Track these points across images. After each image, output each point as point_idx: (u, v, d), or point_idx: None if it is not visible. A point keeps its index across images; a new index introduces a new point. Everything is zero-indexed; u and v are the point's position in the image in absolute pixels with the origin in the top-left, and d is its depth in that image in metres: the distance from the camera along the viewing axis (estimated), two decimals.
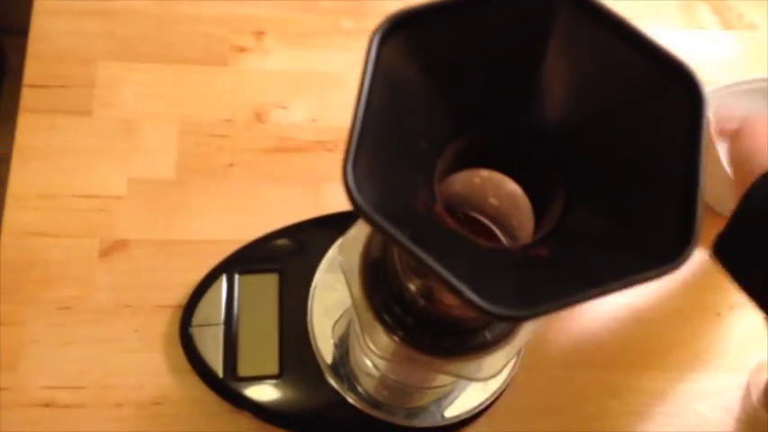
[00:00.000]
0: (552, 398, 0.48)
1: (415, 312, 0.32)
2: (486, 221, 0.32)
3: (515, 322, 0.25)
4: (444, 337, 0.32)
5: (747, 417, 0.49)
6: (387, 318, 0.32)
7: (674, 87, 0.20)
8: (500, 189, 0.30)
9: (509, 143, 0.24)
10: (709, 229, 0.52)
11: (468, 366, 0.34)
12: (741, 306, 0.52)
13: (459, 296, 0.19)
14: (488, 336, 0.32)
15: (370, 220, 0.19)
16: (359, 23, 0.56)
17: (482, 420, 0.47)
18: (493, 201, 0.31)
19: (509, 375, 0.47)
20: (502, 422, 0.48)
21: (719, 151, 0.49)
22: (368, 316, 0.32)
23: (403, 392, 0.47)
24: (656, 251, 0.20)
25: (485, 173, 0.29)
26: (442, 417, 0.46)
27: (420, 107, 0.22)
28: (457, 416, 0.46)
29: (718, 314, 0.52)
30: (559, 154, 0.22)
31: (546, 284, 0.20)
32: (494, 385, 0.47)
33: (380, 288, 0.32)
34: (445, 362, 0.33)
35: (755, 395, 0.50)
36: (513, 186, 0.28)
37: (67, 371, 0.45)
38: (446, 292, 0.30)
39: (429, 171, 0.23)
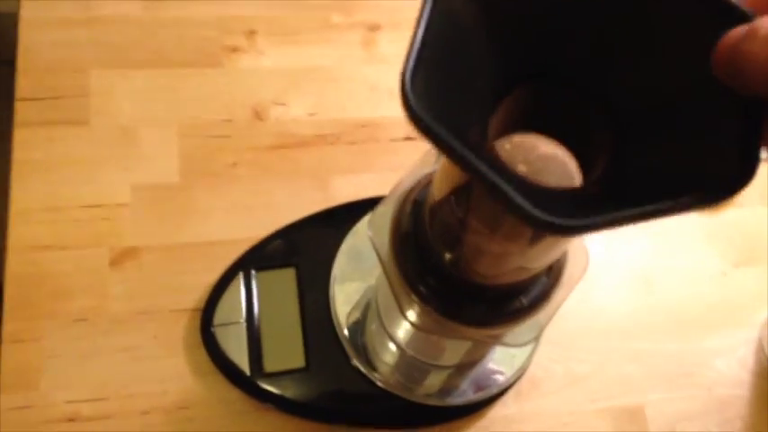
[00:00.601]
0: (574, 368, 0.50)
1: (450, 282, 0.33)
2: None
3: (571, 235, 0.25)
4: (479, 306, 0.33)
5: (762, 369, 0.51)
6: (421, 288, 0.33)
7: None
8: (531, 153, 0.31)
9: (557, 100, 0.25)
10: None
11: (503, 334, 0.35)
12: (745, 265, 0.54)
13: (514, 207, 0.18)
14: (524, 302, 0.33)
15: (425, 129, 0.19)
16: (349, 17, 0.57)
17: (509, 397, 0.48)
18: (522, 167, 0.32)
19: (533, 349, 0.48)
20: (528, 397, 0.49)
21: None
22: (401, 288, 0.33)
23: (426, 376, 0.48)
24: (713, 179, 0.21)
25: (517, 138, 0.30)
26: (471, 394, 0.46)
27: (477, 46, 0.22)
28: (485, 393, 0.47)
29: (725, 274, 0.54)
30: (608, 101, 0.24)
31: (600, 207, 0.20)
32: (519, 361, 0.48)
33: (413, 260, 0.33)
34: (480, 330, 0.34)
35: (767, 348, 0.52)
36: (545, 149, 0.29)
37: (89, 383, 0.45)
38: (480, 260, 0.31)
39: (483, 112, 0.24)
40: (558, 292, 0.34)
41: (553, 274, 0.33)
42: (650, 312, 0.52)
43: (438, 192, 0.30)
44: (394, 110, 0.55)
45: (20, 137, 0.49)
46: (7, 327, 0.45)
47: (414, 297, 0.33)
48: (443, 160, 0.29)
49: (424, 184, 0.34)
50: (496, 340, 0.36)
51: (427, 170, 0.35)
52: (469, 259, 0.31)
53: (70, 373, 0.45)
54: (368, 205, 0.49)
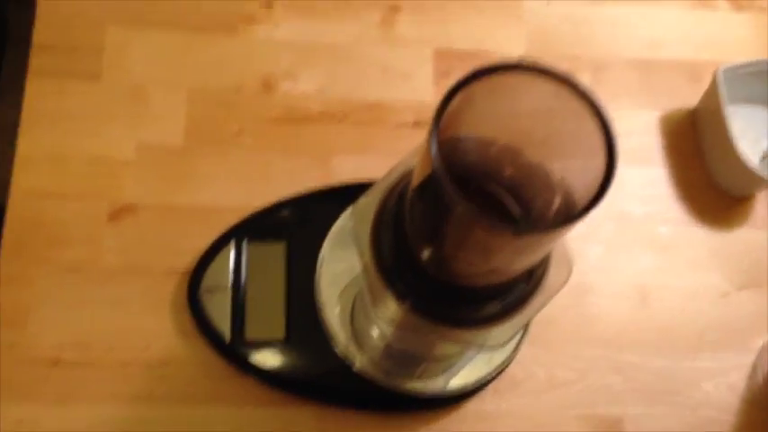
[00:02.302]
0: (557, 373, 0.52)
1: (427, 280, 0.34)
2: (501, 193, 0.35)
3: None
4: (455, 306, 0.35)
5: (753, 396, 0.52)
6: (398, 284, 0.34)
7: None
8: (517, 159, 0.32)
9: None
10: (716, 207, 0.55)
11: (477, 335, 0.36)
12: (748, 287, 0.55)
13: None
14: (499, 306, 0.35)
15: None
16: None
17: (487, 393, 0.50)
18: (509, 171, 0.34)
19: (515, 350, 0.50)
20: (506, 395, 0.51)
21: (731, 125, 0.52)
22: (378, 282, 0.34)
23: (408, 363, 0.50)
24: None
25: (503, 139, 0.32)
26: (447, 387, 0.49)
27: None
28: (462, 387, 0.49)
29: (725, 295, 0.55)
30: None
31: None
32: (499, 358, 0.50)
33: (391, 255, 0.34)
34: (454, 330, 0.35)
35: (761, 375, 0.53)
36: (529, 156, 0.31)
37: (75, 331, 0.48)
38: (456, 258, 0.33)
39: None
40: (535, 299, 0.35)
41: (533, 280, 0.35)
42: (643, 326, 0.53)
43: (415, 185, 0.32)
44: (405, 94, 0.56)
45: (33, 85, 0.53)
46: (3, 268, 0.49)
47: (389, 292, 0.34)
48: (421, 151, 0.31)
49: (410, 177, 0.36)
50: (470, 341, 0.37)
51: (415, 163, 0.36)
52: (446, 257, 0.33)
53: (58, 319, 0.48)
54: (366, 188, 0.51)
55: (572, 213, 0.26)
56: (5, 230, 0.50)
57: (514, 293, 0.34)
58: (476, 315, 0.34)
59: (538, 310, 0.35)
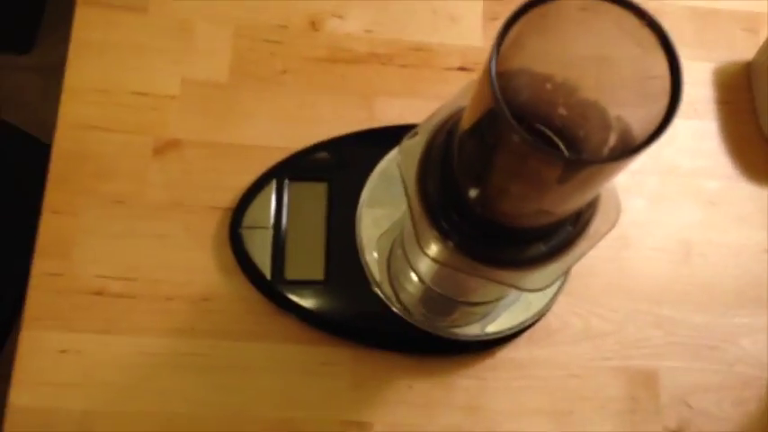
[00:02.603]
0: (593, 324, 0.52)
1: (472, 219, 0.34)
2: (551, 134, 0.34)
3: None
4: (499, 247, 0.35)
5: None
6: (443, 223, 0.34)
7: None
8: (571, 97, 0.32)
9: None
10: (767, 163, 0.54)
11: (519, 277, 0.37)
12: None
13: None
14: (543, 248, 0.35)
15: None
16: None
17: (521, 341, 0.51)
18: (562, 111, 0.33)
19: (552, 299, 0.50)
20: (541, 344, 0.51)
21: None
22: (423, 222, 0.34)
23: (445, 309, 0.51)
24: None
25: (559, 76, 0.31)
26: (483, 332, 0.49)
27: None
28: (498, 332, 0.49)
29: (767, 251, 0.54)
30: None
31: None
32: (536, 307, 0.50)
33: (437, 194, 0.35)
34: (497, 271, 0.36)
35: None
36: (585, 94, 0.31)
37: (119, 262, 0.49)
38: (504, 199, 0.33)
39: None
40: (581, 243, 0.35)
41: (579, 224, 0.35)
42: (684, 281, 0.53)
43: (467, 122, 0.31)
44: (453, 37, 0.56)
45: (81, 16, 0.53)
46: (48, 197, 0.50)
47: (434, 231, 0.34)
48: (475, 87, 0.30)
49: (460, 115, 0.36)
50: (512, 283, 0.38)
51: (465, 102, 0.36)
52: (494, 196, 0.33)
53: (102, 251, 0.49)
54: (409, 131, 0.51)
55: (629, 148, 0.26)
56: (52, 161, 0.50)
57: (560, 236, 0.34)
58: (520, 256, 0.34)
59: (582, 255, 0.35)
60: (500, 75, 0.26)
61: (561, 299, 0.50)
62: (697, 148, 0.56)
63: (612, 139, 0.30)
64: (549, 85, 0.32)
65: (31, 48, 1.31)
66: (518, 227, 0.34)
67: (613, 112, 0.29)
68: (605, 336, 0.52)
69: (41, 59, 1.31)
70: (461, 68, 0.55)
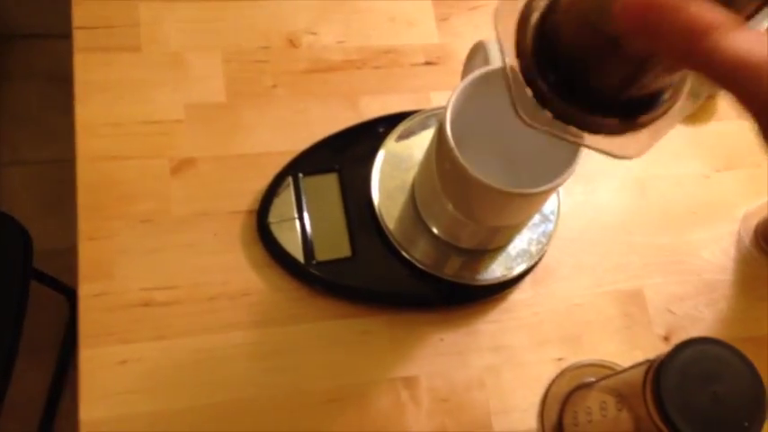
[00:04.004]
0: (582, 258, 0.60)
1: (569, 85, 0.32)
2: None
3: None
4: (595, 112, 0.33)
5: (742, 257, 0.63)
6: (550, 75, 0.32)
7: None
8: None
9: None
10: None
11: (618, 140, 0.34)
12: (724, 170, 0.65)
13: None
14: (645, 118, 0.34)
15: None
16: None
17: (526, 283, 0.59)
18: None
19: (547, 242, 0.58)
20: (543, 283, 0.59)
21: None
22: (519, 86, 0.33)
23: (456, 253, 0.56)
24: None
25: None
26: (498, 275, 0.56)
27: None
28: (508, 275, 0.57)
29: (707, 177, 0.65)
30: None
31: None
32: (536, 250, 0.58)
33: (537, 54, 0.33)
34: (602, 122, 0.33)
35: (747, 238, 0.63)
36: None
37: (159, 274, 0.53)
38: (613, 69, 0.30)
39: None
40: (673, 114, 0.34)
41: (664, 103, 0.34)
42: (644, 211, 0.63)
43: None
44: (413, 38, 0.64)
45: (79, 60, 0.58)
46: (82, 226, 0.53)
47: (540, 82, 0.32)
48: None
49: None
50: (608, 149, 0.35)
51: None
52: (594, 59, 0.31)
53: (141, 266, 0.53)
54: (396, 119, 0.59)
55: None
56: (79, 194, 0.54)
57: (656, 107, 0.34)
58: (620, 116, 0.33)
59: (671, 127, 0.34)
60: None
61: (553, 242, 0.59)
62: None
63: None
64: None
65: None
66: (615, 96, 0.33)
67: None
68: (594, 267, 0.60)
69: None
70: (427, 63, 0.64)
